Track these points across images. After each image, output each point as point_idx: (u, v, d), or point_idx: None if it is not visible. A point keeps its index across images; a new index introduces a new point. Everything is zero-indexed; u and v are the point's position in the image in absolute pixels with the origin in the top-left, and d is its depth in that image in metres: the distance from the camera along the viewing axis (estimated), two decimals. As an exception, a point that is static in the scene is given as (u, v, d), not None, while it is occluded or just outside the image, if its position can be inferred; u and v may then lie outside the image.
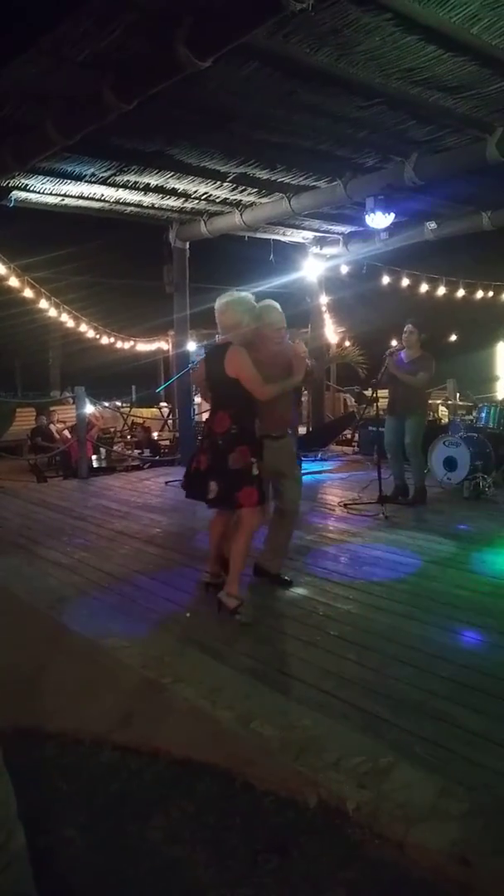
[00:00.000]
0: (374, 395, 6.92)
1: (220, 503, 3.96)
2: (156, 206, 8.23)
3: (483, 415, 7.46)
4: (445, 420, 9.60)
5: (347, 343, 12.94)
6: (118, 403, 15.89)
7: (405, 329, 6.63)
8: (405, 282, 11.47)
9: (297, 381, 4.20)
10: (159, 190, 7.53)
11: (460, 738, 2.60)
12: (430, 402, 8.17)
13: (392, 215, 7.29)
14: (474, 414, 7.76)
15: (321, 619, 3.76)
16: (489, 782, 2.33)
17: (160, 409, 15.31)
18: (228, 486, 3.79)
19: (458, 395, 9.61)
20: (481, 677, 3.05)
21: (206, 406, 14.21)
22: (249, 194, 7.82)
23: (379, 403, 7.10)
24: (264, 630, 3.63)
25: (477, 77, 4.75)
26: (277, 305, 4.23)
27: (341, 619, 3.73)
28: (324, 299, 11.13)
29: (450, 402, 9.36)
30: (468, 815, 2.17)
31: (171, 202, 8.09)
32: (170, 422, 13.87)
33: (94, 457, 10.68)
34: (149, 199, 7.94)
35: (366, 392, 11.43)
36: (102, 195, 7.66)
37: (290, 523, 4.38)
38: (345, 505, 6.52)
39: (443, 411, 10.33)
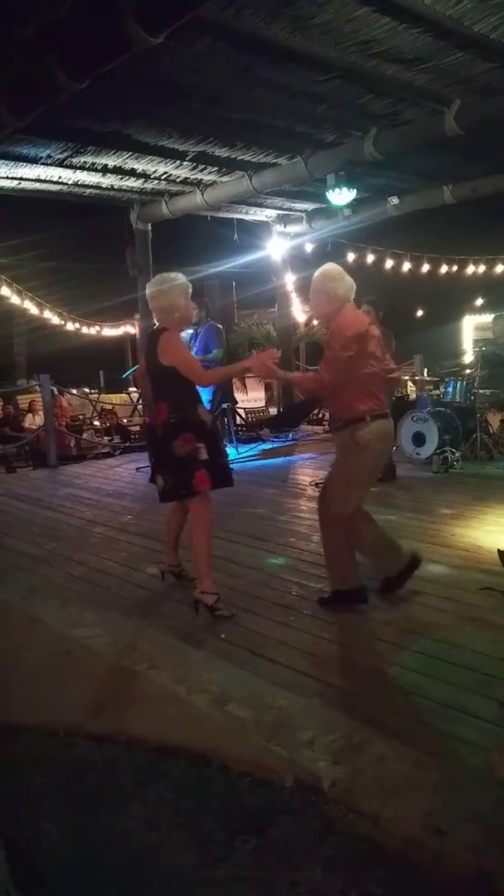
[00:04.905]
0: None
1: (171, 496, 3.82)
2: (115, 187, 8.10)
3: (450, 389, 7.51)
4: (413, 396, 9.66)
5: (315, 322, 12.91)
6: (86, 390, 15.70)
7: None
8: (370, 258, 11.46)
9: (241, 370, 4.28)
10: (118, 171, 7.40)
11: (432, 710, 2.63)
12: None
13: (353, 191, 7.25)
14: (441, 389, 7.81)
15: (294, 600, 3.78)
16: (460, 752, 2.37)
17: (129, 394, 15.16)
18: (178, 475, 3.65)
19: (425, 370, 9.66)
20: (451, 649, 3.09)
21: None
22: (210, 173, 7.73)
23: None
24: (238, 612, 3.63)
25: (432, 49, 4.73)
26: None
27: (314, 599, 3.74)
28: (290, 278, 11.07)
29: (417, 377, 9.41)
30: (441, 786, 2.20)
31: (131, 183, 7.96)
32: (139, 407, 13.74)
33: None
34: (108, 181, 7.81)
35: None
36: (60, 177, 7.52)
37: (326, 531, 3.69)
38: (316, 484, 6.52)
39: (410, 387, 10.38)
